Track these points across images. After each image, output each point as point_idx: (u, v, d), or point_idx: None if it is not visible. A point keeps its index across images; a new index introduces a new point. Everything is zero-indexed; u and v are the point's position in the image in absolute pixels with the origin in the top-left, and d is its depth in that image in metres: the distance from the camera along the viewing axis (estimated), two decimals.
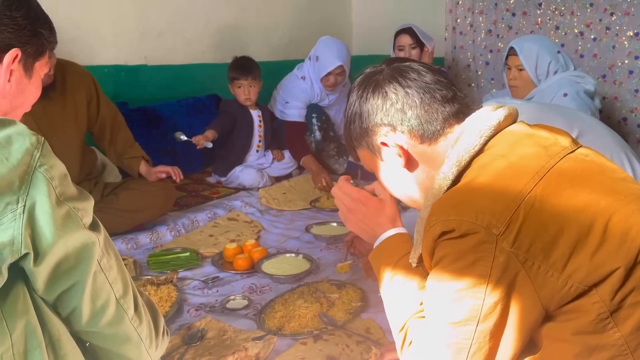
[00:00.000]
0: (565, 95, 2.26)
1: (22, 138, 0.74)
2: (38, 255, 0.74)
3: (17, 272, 0.74)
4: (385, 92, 0.96)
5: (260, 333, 1.49)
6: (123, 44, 2.95)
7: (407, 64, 1.00)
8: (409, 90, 0.95)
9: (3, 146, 0.72)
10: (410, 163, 0.98)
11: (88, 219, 0.81)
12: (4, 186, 0.71)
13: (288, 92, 3.23)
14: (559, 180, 0.81)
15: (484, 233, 0.77)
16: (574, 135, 1.74)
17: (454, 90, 0.97)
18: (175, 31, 3.22)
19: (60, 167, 0.78)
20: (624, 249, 0.76)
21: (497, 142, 0.89)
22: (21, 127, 0.76)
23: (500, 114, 0.92)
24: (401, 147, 0.96)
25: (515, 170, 0.82)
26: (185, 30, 3.28)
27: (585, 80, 2.35)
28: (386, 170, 1.03)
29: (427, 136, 0.95)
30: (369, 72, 1.02)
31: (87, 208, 0.81)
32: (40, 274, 0.75)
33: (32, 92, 0.94)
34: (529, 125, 0.94)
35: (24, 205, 0.72)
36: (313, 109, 3.23)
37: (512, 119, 0.94)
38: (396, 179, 1.03)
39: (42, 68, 0.96)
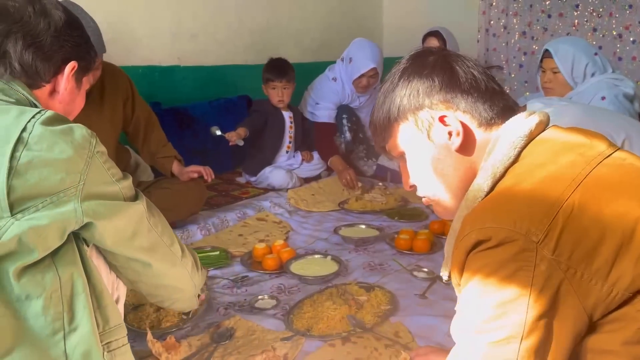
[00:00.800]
0: (603, 98, 2.20)
1: (80, 129, 0.92)
2: (98, 225, 0.92)
3: (72, 234, 0.92)
4: (454, 69, 0.93)
5: (288, 333, 1.50)
6: (157, 45, 3.01)
7: (464, 55, 0.98)
8: (475, 73, 0.93)
9: (67, 133, 0.90)
10: (467, 145, 0.92)
11: (132, 192, 1.02)
12: (71, 165, 0.89)
13: (319, 93, 3.23)
14: (597, 187, 0.78)
15: (524, 240, 0.73)
16: (621, 139, 1.68)
17: (502, 87, 0.97)
18: (208, 33, 3.26)
19: (107, 154, 0.97)
20: None
21: (531, 151, 0.87)
22: (76, 123, 0.94)
23: (532, 122, 0.89)
24: (463, 124, 0.91)
25: (552, 178, 0.80)
26: (218, 32, 3.32)
27: (624, 84, 2.28)
28: (428, 151, 0.95)
29: (485, 121, 0.92)
30: (425, 51, 0.98)
31: (130, 185, 1.02)
32: (105, 240, 0.95)
33: (79, 103, 1.14)
34: (563, 129, 0.91)
35: (84, 182, 0.90)
36: (344, 110, 3.22)
37: (543, 125, 0.91)
38: (437, 162, 0.95)
39: (87, 82, 1.15)
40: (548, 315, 0.73)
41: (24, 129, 0.86)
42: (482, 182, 0.88)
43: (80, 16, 1.90)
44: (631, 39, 3.43)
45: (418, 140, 0.96)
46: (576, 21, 3.64)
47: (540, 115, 0.91)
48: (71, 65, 1.05)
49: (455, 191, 0.95)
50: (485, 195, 0.87)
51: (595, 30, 3.57)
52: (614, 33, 3.50)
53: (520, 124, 0.89)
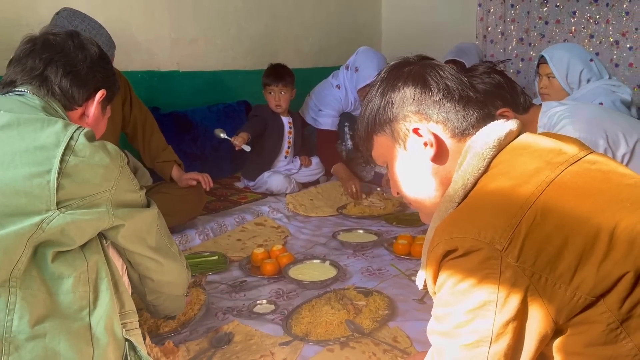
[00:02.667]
0: (600, 104, 2.21)
1: (110, 144, 1.08)
2: (125, 226, 1.10)
3: None
4: (427, 81, 0.95)
5: (287, 338, 1.50)
6: (156, 50, 3.01)
7: (441, 63, 1.00)
8: (449, 83, 0.94)
9: (103, 146, 1.06)
10: (440, 155, 0.95)
11: (146, 199, 1.20)
12: (108, 171, 1.05)
13: (322, 99, 3.24)
14: (560, 193, 0.80)
15: (488, 249, 0.76)
16: (634, 140, 1.73)
17: (483, 97, 0.97)
18: (207, 38, 3.27)
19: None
20: (631, 256, 0.74)
21: (501, 160, 0.88)
22: None
23: (501, 132, 0.90)
24: (435, 136, 0.94)
25: (516, 187, 0.81)
26: (217, 38, 3.33)
27: (621, 90, 2.30)
28: (406, 161, 0.98)
29: (458, 132, 0.94)
30: (401, 63, 1.00)
31: (144, 194, 1.19)
32: (124, 238, 1.12)
33: (102, 127, 1.32)
34: (535, 136, 0.94)
35: (116, 188, 1.06)
36: (346, 117, 3.24)
37: (514, 134, 0.93)
38: (415, 172, 0.98)
39: (109, 110, 1.33)
40: (515, 320, 0.76)
41: (71, 138, 1.01)
42: (452, 193, 0.90)
43: (94, 24, 1.97)
44: (628, 45, 3.46)
45: (396, 151, 0.99)
46: (573, 28, 3.67)
47: (512, 124, 0.93)
48: (101, 93, 1.23)
49: (434, 200, 0.98)
50: (457, 206, 0.89)
51: (592, 37, 3.59)
52: (611, 40, 3.52)
53: (489, 135, 0.91)
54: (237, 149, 2.74)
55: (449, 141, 0.95)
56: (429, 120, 0.94)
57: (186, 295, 1.48)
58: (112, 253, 1.15)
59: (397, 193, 1.05)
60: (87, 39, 1.23)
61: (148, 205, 1.20)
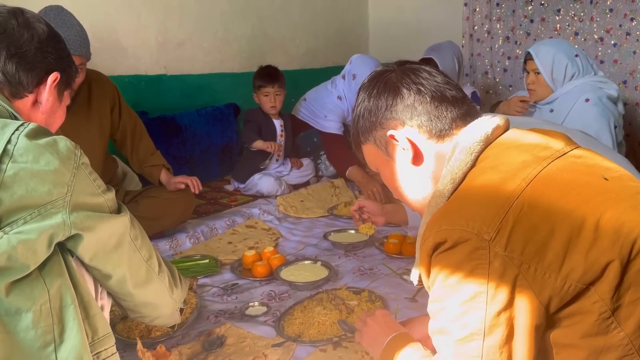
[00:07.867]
0: (587, 100, 2.23)
1: (63, 140, 0.93)
2: (84, 237, 0.92)
3: (57, 245, 0.91)
4: (398, 87, 0.98)
5: (279, 340, 1.49)
6: (143, 54, 3.00)
7: (419, 65, 1.02)
8: (420, 87, 0.97)
9: (51, 145, 0.90)
10: (417, 157, 0.98)
11: (115, 205, 1.02)
12: (57, 176, 0.89)
13: (325, 106, 3.23)
14: (546, 185, 0.81)
15: (476, 239, 0.77)
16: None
17: (463, 93, 0.99)
18: (194, 41, 3.26)
19: (91, 164, 0.97)
20: (617, 245, 0.75)
21: (488, 154, 0.90)
22: (59, 135, 0.95)
23: (488, 127, 0.92)
24: (410, 140, 0.96)
25: (503, 179, 0.83)
26: (204, 41, 3.32)
27: (608, 86, 2.32)
28: (392, 167, 1.02)
29: (435, 133, 0.96)
30: (380, 71, 1.03)
31: (114, 197, 1.02)
32: (87, 252, 0.95)
33: (60, 116, 1.16)
34: (522, 131, 0.95)
35: (71, 194, 0.90)
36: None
37: (501, 129, 0.95)
38: (400, 175, 1.02)
39: (67, 97, 1.17)
40: (507, 310, 0.76)
41: (8, 142, 0.86)
42: (442, 188, 0.92)
43: (67, 18, 1.92)
44: (612, 42, 3.49)
45: (381, 157, 1.03)
46: (558, 25, 3.70)
47: (499, 119, 0.95)
48: (53, 76, 1.07)
49: (422, 201, 1.01)
50: (447, 200, 0.91)
51: (577, 34, 3.62)
52: (596, 37, 3.55)
53: (476, 130, 0.92)
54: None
55: (427, 143, 0.97)
56: (404, 125, 0.97)
57: (182, 309, 1.30)
58: (79, 267, 1.00)
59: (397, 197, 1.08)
60: (34, 16, 1.06)
61: (122, 211, 1.04)
